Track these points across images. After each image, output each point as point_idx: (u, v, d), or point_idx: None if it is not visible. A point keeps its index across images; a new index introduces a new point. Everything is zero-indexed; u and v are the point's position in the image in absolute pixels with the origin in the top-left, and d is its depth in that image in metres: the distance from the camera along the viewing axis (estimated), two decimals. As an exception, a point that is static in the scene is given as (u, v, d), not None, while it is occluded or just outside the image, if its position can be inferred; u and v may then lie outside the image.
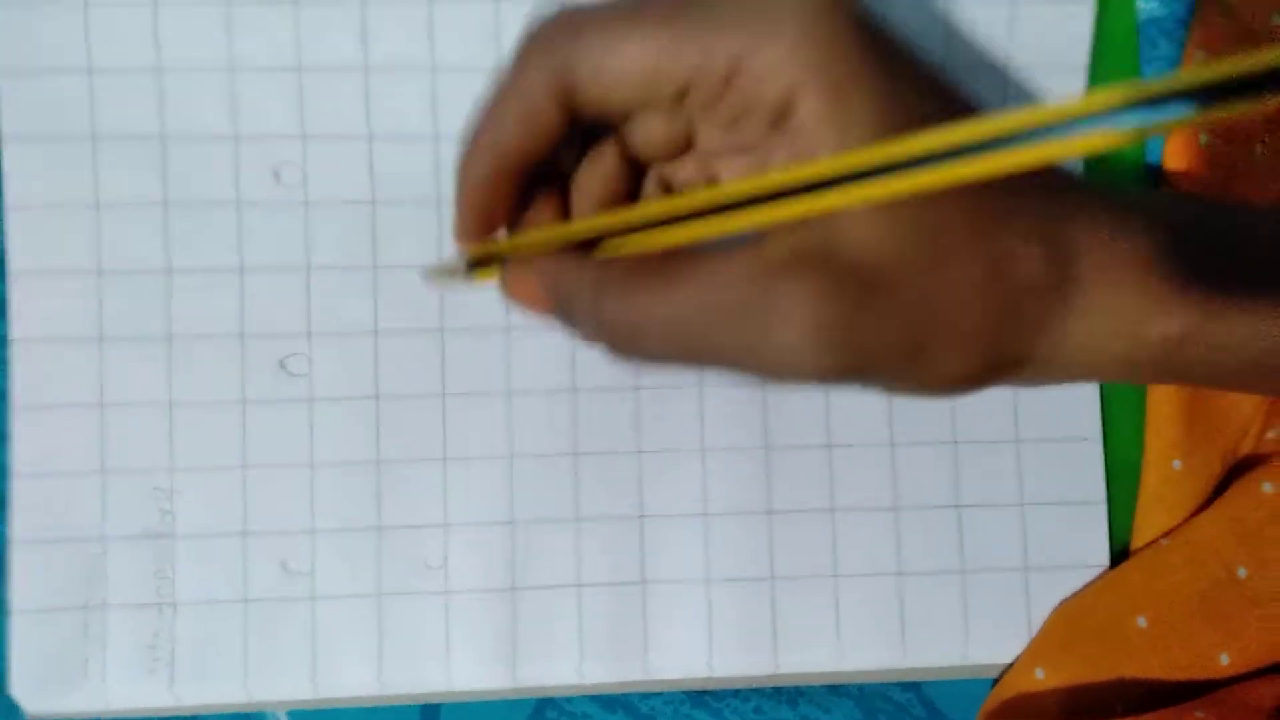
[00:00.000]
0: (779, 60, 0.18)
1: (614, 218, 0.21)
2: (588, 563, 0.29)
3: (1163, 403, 0.29)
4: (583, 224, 0.21)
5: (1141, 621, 0.28)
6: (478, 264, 0.24)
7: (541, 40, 0.20)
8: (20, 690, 0.27)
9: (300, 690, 0.28)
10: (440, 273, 0.26)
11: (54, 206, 0.28)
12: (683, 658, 0.29)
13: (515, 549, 0.29)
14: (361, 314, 0.29)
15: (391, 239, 0.29)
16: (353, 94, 0.29)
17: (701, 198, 0.19)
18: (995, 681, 0.29)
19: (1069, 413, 0.30)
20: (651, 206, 0.20)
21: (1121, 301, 0.20)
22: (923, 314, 0.19)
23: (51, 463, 0.28)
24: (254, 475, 0.28)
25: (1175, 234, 0.21)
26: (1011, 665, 0.29)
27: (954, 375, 0.21)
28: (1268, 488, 0.28)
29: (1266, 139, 0.29)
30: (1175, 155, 0.30)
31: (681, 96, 0.19)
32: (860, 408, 0.30)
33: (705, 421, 0.29)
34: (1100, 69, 0.30)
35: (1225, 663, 0.28)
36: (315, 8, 0.28)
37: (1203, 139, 0.30)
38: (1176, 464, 0.29)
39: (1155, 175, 0.31)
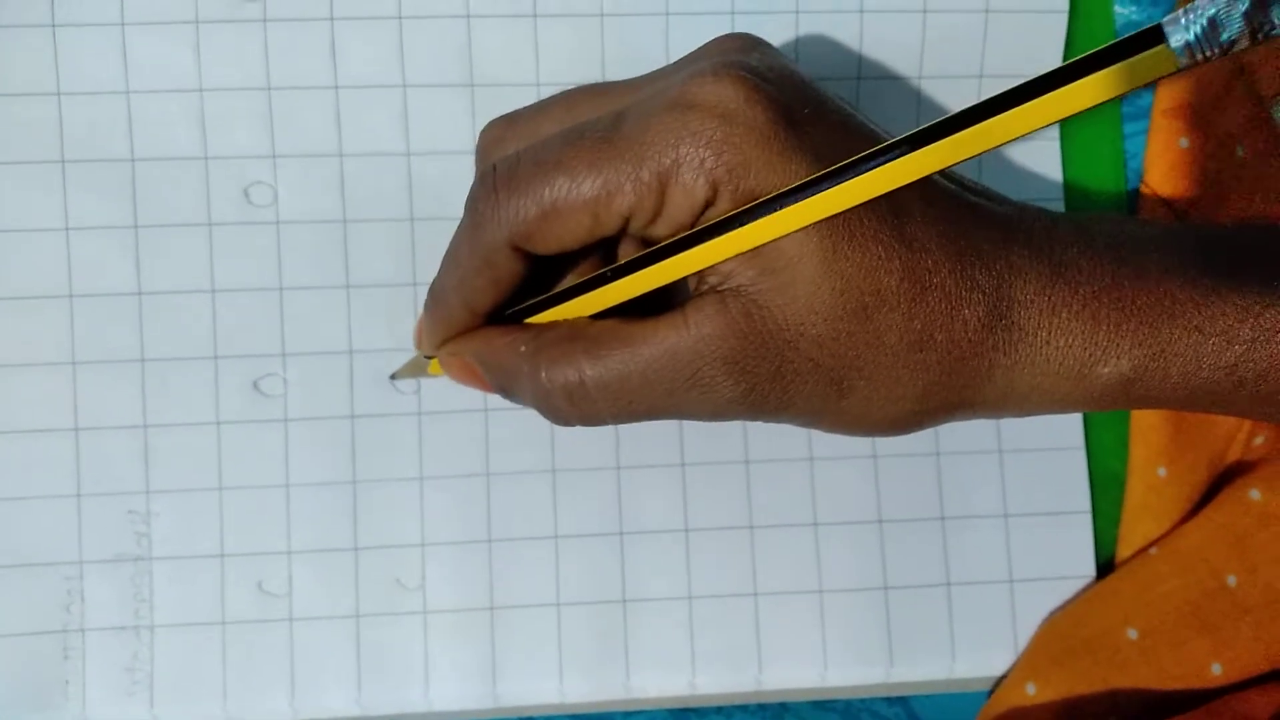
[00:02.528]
0: (703, 169, 0.19)
1: (552, 311, 0.22)
2: (567, 580, 0.29)
3: (1146, 410, 0.29)
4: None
5: (1132, 633, 0.28)
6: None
7: (489, 203, 0.21)
8: (0, 714, 0.27)
9: (278, 712, 0.28)
10: (407, 371, 0.27)
11: (24, 231, 0.28)
12: (665, 675, 0.29)
13: (494, 568, 0.28)
14: (335, 333, 0.29)
15: (364, 257, 0.29)
16: (323, 113, 0.28)
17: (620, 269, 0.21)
18: (987, 696, 0.29)
19: (1051, 423, 0.29)
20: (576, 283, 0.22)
21: (1068, 345, 0.21)
22: (849, 363, 0.20)
23: (26, 487, 0.28)
24: (230, 497, 0.28)
25: (1127, 268, 0.21)
26: (1001, 681, 0.29)
27: (886, 417, 0.21)
28: (1256, 494, 0.28)
29: (1245, 140, 0.29)
30: (1156, 162, 0.30)
31: (625, 221, 0.20)
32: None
33: (685, 436, 0.29)
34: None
35: (1218, 672, 0.28)
36: (284, 27, 0.28)
37: (1183, 141, 0.29)
38: (1162, 471, 0.29)
39: (1133, 195, 0.30)
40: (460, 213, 0.22)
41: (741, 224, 0.19)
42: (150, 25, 0.28)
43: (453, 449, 0.29)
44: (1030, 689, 0.28)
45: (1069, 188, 0.30)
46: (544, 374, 0.21)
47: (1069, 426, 0.29)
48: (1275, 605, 0.28)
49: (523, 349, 0.22)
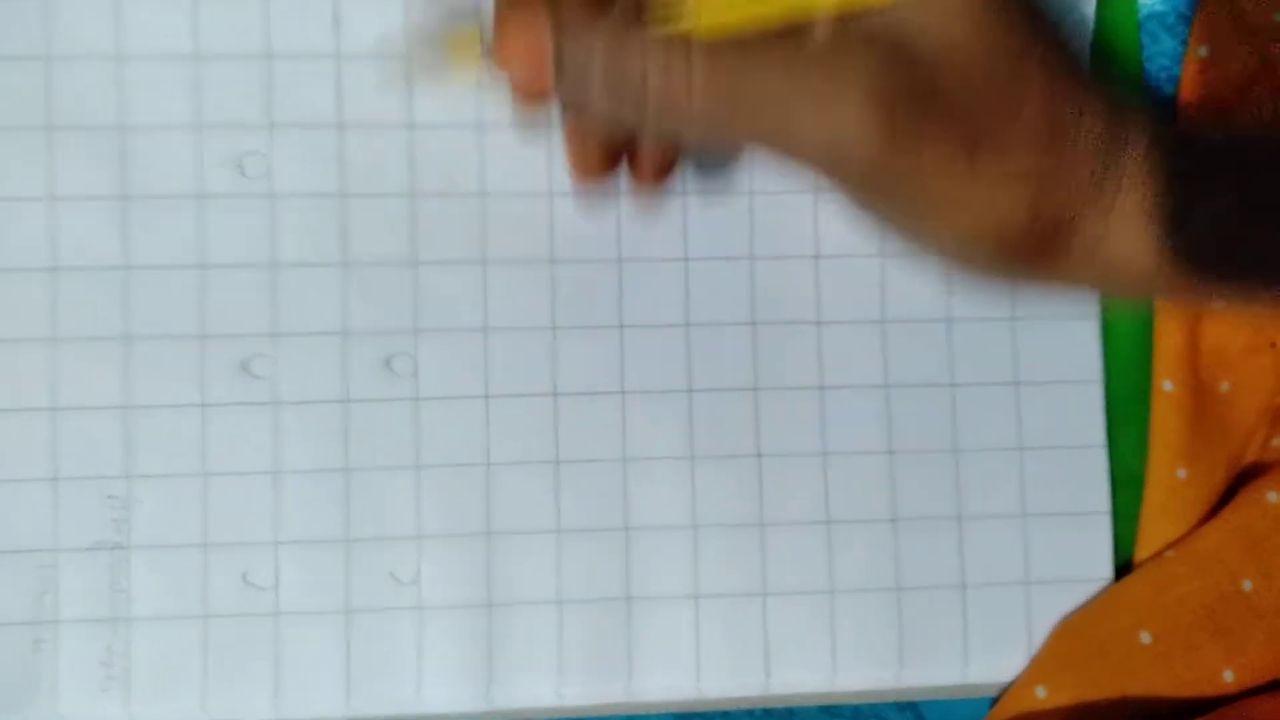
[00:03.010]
0: None
1: None
2: (569, 577, 0.28)
3: (1167, 411, 0.29)
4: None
5: (1145, 637, 0.28)
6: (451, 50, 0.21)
7: None
8: (-35, 711, 0.26)
9: (262, 711, 0.27)
10: (408, 61, 0.24)
11: (5, 200, 0.27)
12: (669, 678, 0.28)
13: (492, 563, 0.28)
14: (329, 313, 0.27)
15: (361, 234, 0.28)
16: (324, 82, 0.28)
17: None
18: (994, 701, 0.28)
19: (1072, 419, 0.29)
20: None
21: (1163, 195, 0.21)
22: (986, 119, 0.20)
23: (0, 470, 0.27)
24: (215, 483, 0.27)
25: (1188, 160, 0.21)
26: (1011, 683, 0.28)
27: (1000, 212, 0.20)
28: (1273, 497, 0.28)
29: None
30: (1200, 33, 0.30)
31: None
32: (858, 412, 0.29)
33: (694, 428, 0.28)
34: (1101, 64, 0.30)
35: (1229, 679, 0.27)
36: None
37: (1201, 50, 0.29)
38: (1181, 473, 0.29)
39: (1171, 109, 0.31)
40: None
41: None
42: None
43: (451, 437, 0.28)
44: (1040, 692, 0.28)
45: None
46: (644, 34, 0.19)
47: (1090, 423, 0.29)
48: (1291, 610, 0.27)
49: (632, 18, 0.19)
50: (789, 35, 0.19)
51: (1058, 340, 0.29)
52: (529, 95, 0.20)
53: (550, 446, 0.28)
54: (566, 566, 0.28)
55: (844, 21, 0.19)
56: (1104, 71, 0.22)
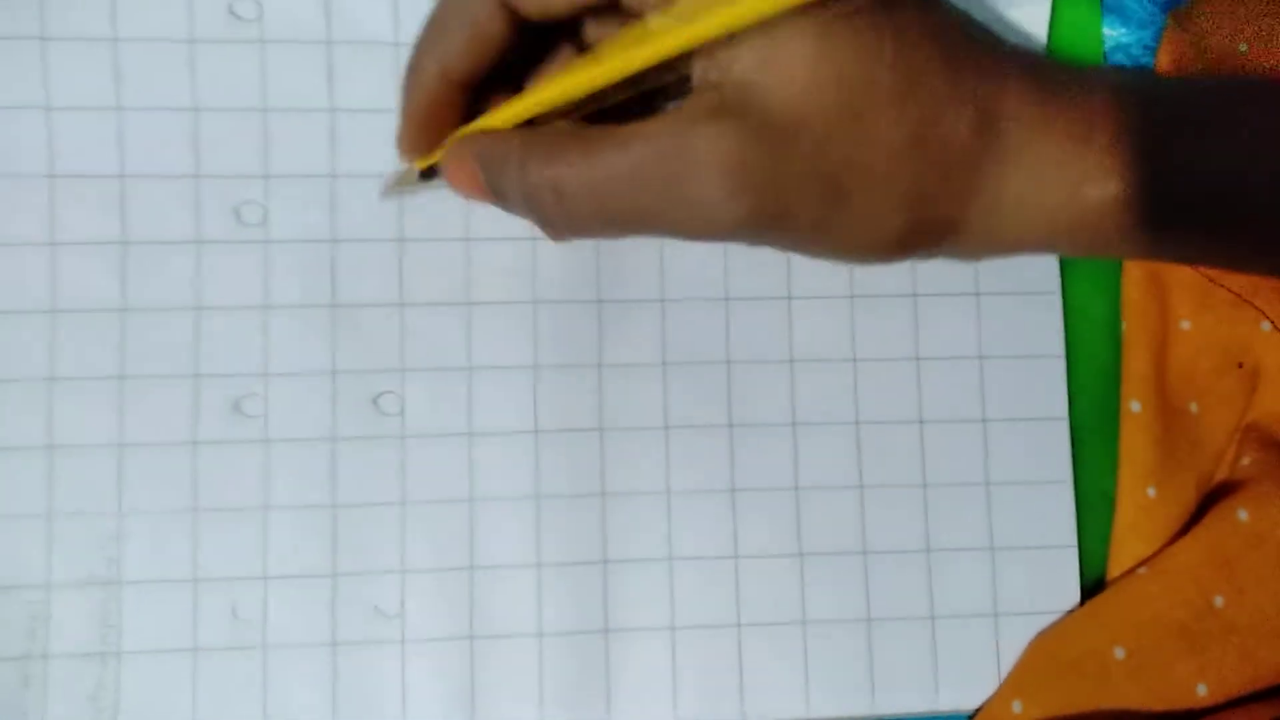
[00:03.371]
0: None
1: (537, 94, 0.21)
2: (549, 610, 0.28)
3: (1136, 430, 0.29)
4: (509, 108, 0.22)
5: (1119, 652, 0.28)
6: (427, 171, 0.24)
7: None
8: (-46, 745, 0.26)
9: (249, 743, 0.27)
10: (395, 184, 0.26)
11: (7, 245, 0.28)
12: (647, 707, 0.28)
13: (475, 596, 0.28)
14: (319, 354, 0.28)
15: (351, 278, 0.28)
16: (318, 134, 0.29)
17: (612, 51, 0.20)
18: (972, 716, 0.29)
19: (1039, 455, 0.30)
20: (571, 73, 0.20)
21: (1059, 161, 0.21)
22: (845, 164, 0.20)
23: (-5, 505, 0.27)
24: (205, 520, 0.28)
25: (1123, 98, 0.21)
26: (988, 699, 0.29)
27: (879, 232, 0.21)
28: (1243, 515, 0.28)
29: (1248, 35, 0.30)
30: (1166, 64, 0.30)
31: None
32: (828, 449, 0.29)
33: (670, 464, 0.29)
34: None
35: (1203, 693, 0.28)
36: (280, 48, 0.29)
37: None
38: (1151, 492, 0.29)
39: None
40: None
41: None
42: (144, 42, 0.28)
43: (435, 474, 0.28)
44: (1016, 707, 0.28)
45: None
46: (532, 167, 0.20)
47: (1057, 459, 0.30)
48: (1262, 627, 0.28)
49: (516, 142, 0.21)
50: (640, 125, 0.20)
51: (1024, 378, 0.30)
52: (478, 200, 0.23)
53: (531, 482, 0.28)
54: (547, 599, 0.28)
55: (692, 99, 0.20)
56: (981, 37, 0.22)
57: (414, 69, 0.22)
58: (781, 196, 0.20)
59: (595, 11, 0.21)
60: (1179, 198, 0.21)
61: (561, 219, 0.21)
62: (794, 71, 0.19)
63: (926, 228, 0.21)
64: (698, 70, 0.20)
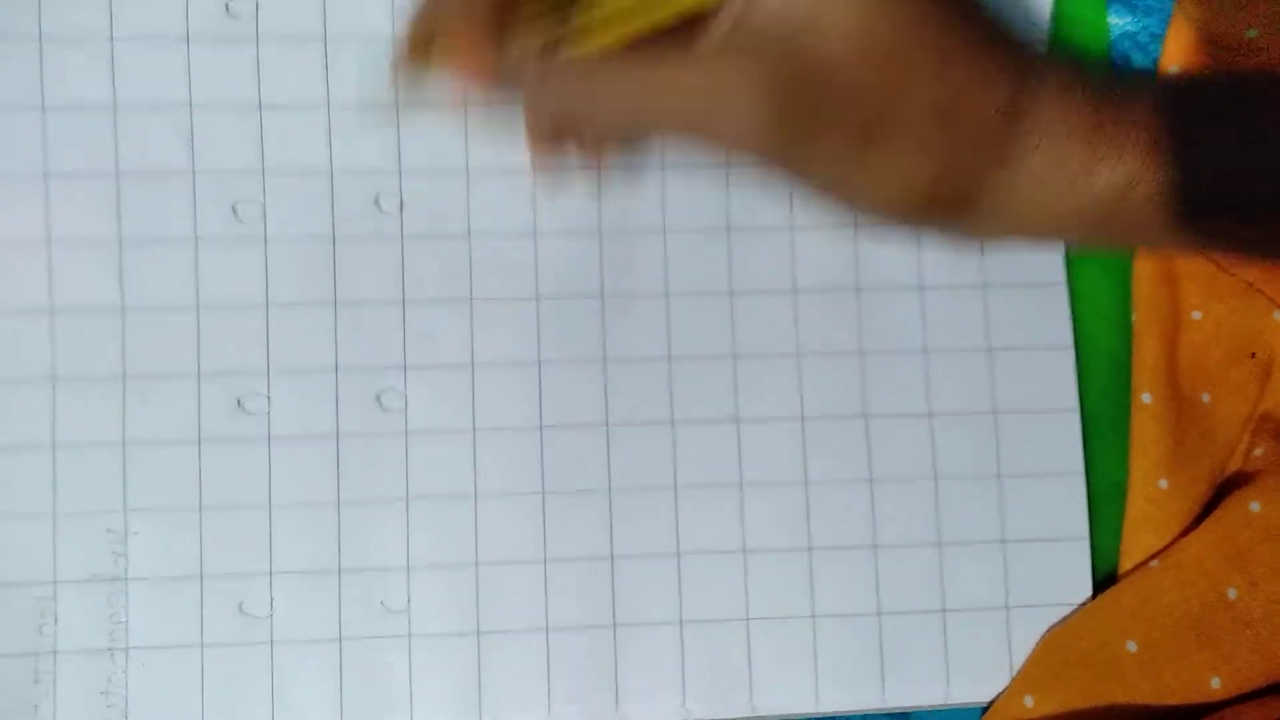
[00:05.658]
0: None
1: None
2: (556, 605, 0.28)
3: (1146, 422, 0.29)
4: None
5: (1132, 646, 0.28)
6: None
7: None
8: (-35, 742, 0.27)
9: (257, 739, 0.27)
10: (397, 76, 0.25)
11: (5, 244, 0.28)
12: (655, 702, 0.28)
13: (481, 591, 0.28)
14: (321, 350, 0.28)
15: (352, 275, 0.28)
16: (315, 130, 0.28)
17: None
18: (984, 711, 0.29)
19: (1050, 447, 0.29)
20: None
21: (1071, 149, 0.21)
22: (874, 115, 0.20)
23: (1, 505, 0.27)
24: (210, 516, 0.28)
25: (1154, 92, 0.22)
26: (1000, 693, 0.29)
27: (902, 184, 0.21)
28: (1256, 507, 0.28)
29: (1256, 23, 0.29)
30: (1173, 52, 0.30)
31: None
32: (836, 442, 0.29)
33: (678, 458, 0.29)
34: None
35: (1216, 686, 0.27)
36: (276, 44, 0.28)
37: (1174, 69, 0.30)
38: (1163, 483, 0.29)
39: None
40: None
41: None
42: (140, 41, 0.28)
43: (440, 470, 0.28)
44: (1029, 701, 0.28)
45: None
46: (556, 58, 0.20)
47: (1068, 450, 0.29)
48: (1276, 619, 0.27)
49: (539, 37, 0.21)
50: (685, 37, 0.20)
51: (1033, 370, 0.29)
52: (477, 81, 0.22)
53: (536, 478, 0.28)
54: (554, 594, 0.28)
55: (739, 20, 0.20)
56: (1016, 32, 0.22)
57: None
58: (811, 126, 0.20)
59: None
60: (1209, 188, 0.22)
61: (583, 104, 0.21)
62: (844, 15, 0.20)
63: (944, 192, 0.22)
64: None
